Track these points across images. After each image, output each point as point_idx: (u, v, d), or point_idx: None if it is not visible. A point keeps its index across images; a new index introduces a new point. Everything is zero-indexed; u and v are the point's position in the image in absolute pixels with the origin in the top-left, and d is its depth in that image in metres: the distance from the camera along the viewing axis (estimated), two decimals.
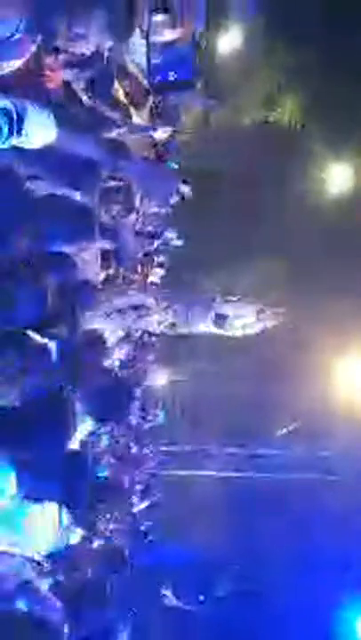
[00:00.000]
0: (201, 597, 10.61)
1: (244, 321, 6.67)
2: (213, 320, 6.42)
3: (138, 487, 9.21)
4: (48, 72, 4.41)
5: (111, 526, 4.64)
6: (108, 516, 4.53)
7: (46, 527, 3.94)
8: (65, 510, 3.97)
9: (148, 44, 5.04)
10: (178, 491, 11.08)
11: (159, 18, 4.93)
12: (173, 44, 5.17)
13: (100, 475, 5.92)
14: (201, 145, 12.21)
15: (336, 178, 13.61)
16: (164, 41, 5.11)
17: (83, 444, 4.46)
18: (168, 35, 5.09)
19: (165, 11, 4.87)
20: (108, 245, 5.68)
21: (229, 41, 12.89)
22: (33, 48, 4.20)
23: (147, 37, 4.99)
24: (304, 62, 12.57)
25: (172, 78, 5.26)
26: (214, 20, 12.00)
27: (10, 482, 3.60)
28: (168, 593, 9.69)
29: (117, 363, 7.43)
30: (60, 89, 4.65)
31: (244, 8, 12.27)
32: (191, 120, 12.51)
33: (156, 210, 7.14)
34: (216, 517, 11.05)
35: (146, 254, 8.80)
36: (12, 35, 3.90)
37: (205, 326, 6.47)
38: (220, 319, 6.38)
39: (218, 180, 12.47)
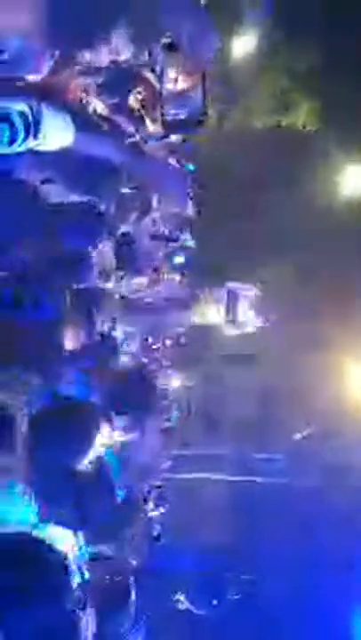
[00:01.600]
0: (214, 602, 10.58)
1: (249, 304, 7.21)
2: (226, 298, 6.81)
3: (151, 494, 9.18)
4: (65, 79, 4.44)
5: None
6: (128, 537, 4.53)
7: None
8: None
9: (160, 86, 5.13)
10: (189, 494, 11.05)
11: (170, 59, 5.00)
12: (185, 89, 5.24)
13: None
14: (213, 148, 12.19)
15: (349, 180, 13.55)
16: (177, 89, 5.19)
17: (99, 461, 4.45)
18: (181, 82, 5.17)
19: (175, 48, 4.93)
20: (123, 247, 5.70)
21: (242, 44, 12.89)
22: (50, 62, 4.24)
23: (160, 79, 5.06)
24: (318, 66, 12.55)
25: (182, 117, 5.33)
26: (227, 23, 12.02)
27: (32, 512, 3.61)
28: (181, 597, 9.68)
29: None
30: (77, 95, 4.67)
31: (258, 11, 12.26)
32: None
33: (173, 212, 7.17)
34: (226, 521, 11.02)
35: (162, 256, 8.80)
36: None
37: (217, 311, 6.73)
38: (232, 298, 6.79)
39: (230, 183, 12.45)
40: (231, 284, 7.09)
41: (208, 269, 10.96)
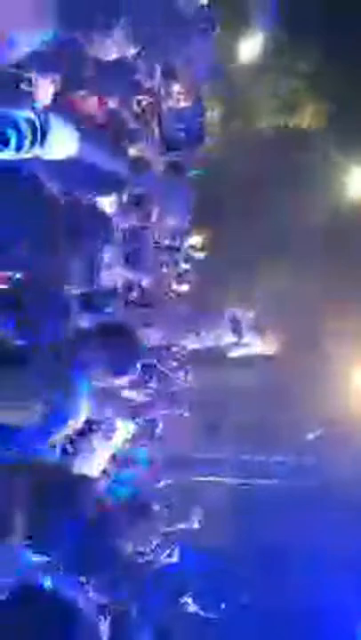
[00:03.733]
0: (223, 605, 10.61)
1: (251, 325, 7.51)
2: (230, 321, 7.07)
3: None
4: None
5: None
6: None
7: None
8: None
9: (160, 110, 5.17)
10: (193, 496, 11.07)
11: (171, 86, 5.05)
12: (184, 108, 5.31)
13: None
14: (220, 151, 12.22)
15: (357, 182, 13.53)
16: (177, 108, 5.25)
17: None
18: (181, 102, 5.23)
19: (173, 77, 4.98)
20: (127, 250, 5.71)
21: (248, 46, 12.91)
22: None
23: (157, 102, 5.11)
24: (324, 67, 12.54)
25: (182, 134, 5.40)
26: (234, 24, 12.04)
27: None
28: (189, 600, 9.70)
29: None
30: (83, 103, 4.69)
31: (265, 13, 12.28)
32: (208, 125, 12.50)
33: (173, 224, 7.17)
34: (231, 523, 11.05)
35: (167, 267, 8.80)
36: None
37: (222, 333, 6.88)
38: (235, 322, 7.05)
39: (234, 185, 12.46)
40: (233, 309, 7.42)
41: (213, 277, 10.99)
